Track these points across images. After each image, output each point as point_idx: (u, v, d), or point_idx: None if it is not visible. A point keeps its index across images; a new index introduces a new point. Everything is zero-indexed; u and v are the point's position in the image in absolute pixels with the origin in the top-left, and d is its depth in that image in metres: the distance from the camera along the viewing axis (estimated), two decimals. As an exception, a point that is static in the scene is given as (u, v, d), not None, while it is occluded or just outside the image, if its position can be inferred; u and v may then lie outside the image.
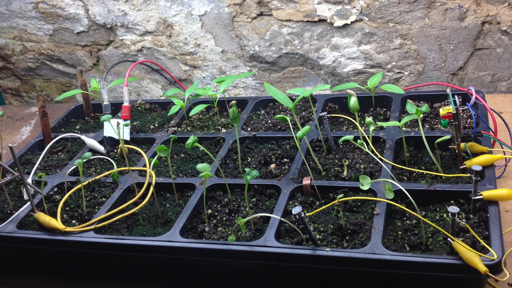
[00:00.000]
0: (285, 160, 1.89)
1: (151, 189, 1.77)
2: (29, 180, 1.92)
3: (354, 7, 2.83)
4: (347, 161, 1.76)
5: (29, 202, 1.82)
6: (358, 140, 1.67)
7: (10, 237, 1.70)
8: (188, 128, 2.21)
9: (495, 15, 2.64)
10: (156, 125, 2.28)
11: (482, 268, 1.26)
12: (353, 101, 1.83)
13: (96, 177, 1.93)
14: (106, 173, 1.94)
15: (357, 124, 1.82)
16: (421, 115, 1.74)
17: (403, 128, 1.91)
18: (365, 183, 1.48)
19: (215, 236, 1.59)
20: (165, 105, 2.46)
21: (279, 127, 2.09)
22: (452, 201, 1.58)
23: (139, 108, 2.47)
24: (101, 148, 2.14)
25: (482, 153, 1.69)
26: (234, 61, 3.21)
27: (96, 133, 2.27)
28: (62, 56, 3.63)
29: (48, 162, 2.14)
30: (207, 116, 2.29)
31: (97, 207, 1.80)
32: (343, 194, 1.62)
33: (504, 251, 1.31)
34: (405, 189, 1.47)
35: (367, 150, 1.67)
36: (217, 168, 1.85)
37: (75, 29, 3.48)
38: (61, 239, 1.65)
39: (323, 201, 1.67)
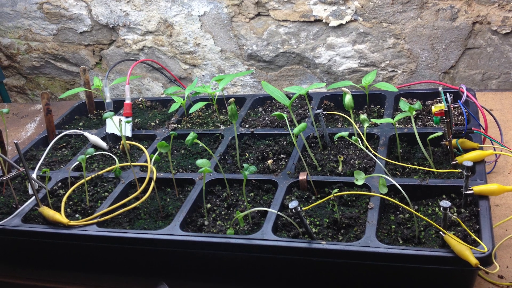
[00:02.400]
0: (282, 156, 1.88)
1: (152, 184, 1.76)
2: (34, 175, 1.92)
3: (349, 8, 2.82)
4: (342, 157, 1.76)
5: (33, 197, 1.82)
6: (353, 137, 1.67)
7: (15, 231, 1.69)
8: (188, 125, 2.20)
9: (485, 16, 2.63)
10: (157, 122, 2.27)
11: (473, 260, 1.25)
12: (348, 99, 1.83)
13: (99, 173, 1.92)
14: (109, 168, 1.94)
15: (352, 121, 1.82)
16: (414, 113, 1.73)
17: (397, 125, 1.90)
18: (360, 178, 1.47)
19: (214, 229, 1.58)
20: (166, 103, 2.45)
21: (276, 124, 2.08)
22: (444, 196, 1.57)
23: (141, 105, 2.47)
24: (103, 144, 2.13)
25: (473, 149, 1.69)
26: (233, 60, 3.21)
27: (98, 129, 2.26)
28: (66, 55, 3.62)
29: (52, 158, 2.13)
30: (207, 113, 2.29)
31: (99, 201, 1.80)
32: (338, 189, 1.62)
33: (494, 244, 1.31)
34: (398, 184, 1.46)
35: (361, 146, 1.67)
36: (216, 163, 1.84)
37: (78, 29, 3.48)
38: (65, 233, 1.64)
39: (318, 196, 1.67)
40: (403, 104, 1.76)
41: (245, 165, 1.59)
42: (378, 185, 1.49)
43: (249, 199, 1.70)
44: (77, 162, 1.99)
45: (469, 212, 1.48)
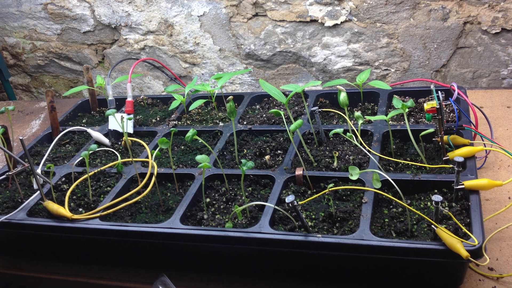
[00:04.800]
0: (279, 152, 1.88)
1: (153, 179, 1.76)
2: (39, 171, 1.91)
3: (344, 8, 2.82)
4: (337, 152, 1.75)
5: (38, 191, 1.81)
6: (348, 133, 1.66)
7: (20, 224, 1.69)
8: (188, 122, 2.20)
9: (476, 16, 2.63)
10: (158, 119, 2.27)
11: (464, 253, 1.25)
12: (342, 97, 1.82)
13: (102, 168, 1.91)
14: (111, 164, 1.93)
15: (347, 118, 1.81)
16: (407, 110, 1.73)
17: (390, 121, 1.90)
18: (354, 174, 1.47)
19: (213, 223, 1.58)
20: (166, 100, 2.44)
21: (273, 120, 2.08)
22: (436, 190, 1.57)
23: (142, 103, 2.46)
24: (106, 140, 2.12)
25: (464, 145, 1.68)
26: (231, 59, 3.20)
27: (101, 126, 2.25)
28: (70, 54, 3.61)
29: (56, 154, 2.12)
30: (206, 110, 2.28)
31: (102, 196, 1.79)
32: (333, 184, 1.61)
33: (484, 237, 1.31)
34: (391, 179, 1.46)
35: (356, 142, 1.66)
36: (215, 159, 1.84)
37: (81, 28, 3.46)
38: (69, 226, 1.64)
39: (314, 190, 1.67)
40: (396, 101, 1.76)
41: (243, 160, 1.59)
42: (372, 180, 1.49)
43: (247, 194, 1.69)
44: (81, 158, 1.98)
45: (460, 206, 1.48)
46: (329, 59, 2.98)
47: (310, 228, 1.47)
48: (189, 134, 1.67)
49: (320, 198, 1.62)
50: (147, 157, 1.92)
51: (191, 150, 2.01)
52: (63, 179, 1.91)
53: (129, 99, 2.24)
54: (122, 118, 1.92)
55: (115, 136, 2.18)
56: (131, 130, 2.17)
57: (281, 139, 1.95)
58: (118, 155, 1.96)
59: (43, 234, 1.70)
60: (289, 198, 1.38)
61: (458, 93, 1.83)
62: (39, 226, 1.67)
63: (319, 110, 1.89)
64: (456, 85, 1.86)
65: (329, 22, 2.87)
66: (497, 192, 1.74)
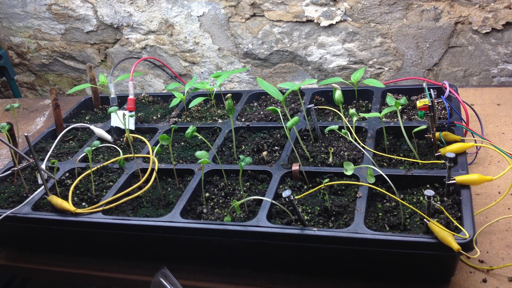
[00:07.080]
0: (276, 148, 1.87)
1: (154, 174, 1.75)
2: (43, 166, 1.90)
3: (339, 9, 2.81)
4: (332, 148, 1.75)
5: (43, 186, 1.81)
6: (342, 130, 1.66)
7: (25, 218, 1.68)
8: (188, 119, 2.19)
9: (467, 16, 2.62)
10: (159, 116, 2.26)
11: (455, 246, 1.25)
12: (337, 94, 1.82)
13: (104, 164, 1.91)
14: (113, 159, 1.92)
15: (342, 115, 1.81)
16: (400, 107, 1.72)
17: (383, 118, 1.89)
18: (349, 169, 1.46)
19: (212, 217, 1.57)
20: (167, 98, 2.44)
21: (270, 118, 2.07)
22: (428, 185, 1.57)
23: (143, 100, 2.45)
24: (108, 137, 2.12)
25: (455, 141, 1.68)
26: (230, 58, 3.19)
27: (104, 123, 2.25)
28: (73, 53, 3.60)
29: (60, 150, 2.12)
30: (205, 108, 2.28)
31: (104, 190, 1.79)
32: (328, 179, 1.61)
33: (475, 231, 1.31)
34: (385, 174, 1.45)
35: (350, 139, 1.66)
36: (214, 155, 1.83)
37: (85, 28, 3.45)
38: (72, 220, 1.63)
39: (310, 185, 1.66)
40: (390, 99, 1.75)
41: (241, 156, 1.58)
42: (366, 175, 1.48)
43: (245, 188, 1.69)
44: (84, 154, 1.98)
45: (452, 201, 1.48)
46: (324, 58, 2.97)
47: (306, 222, 1.46)
48: (189, 130, 1.66)
49: (316, 193, 1.62)
50: (148, 153, 1.92)
51: (191, 146, 2.00)
52: (67, 174, 1.91)
53: (131, 96, 2.23)
54: (124, 115, 1.91)
55: (117, 132, 2.17)
56: (132, 127, 2.16)
57: (278, 135, 1.95)
58: (120, 151, 1.95)
59: (48, 227, 1.69)
60: (286, 193, 1.38)
61: (450, 91, 1.83)
62: (44, 220, 1.67)
63: (315, 107, 1.89)
64: (448, 83, 1.85)
65: (324, 22, 2.87)
66: (488, 187, 1.73)
